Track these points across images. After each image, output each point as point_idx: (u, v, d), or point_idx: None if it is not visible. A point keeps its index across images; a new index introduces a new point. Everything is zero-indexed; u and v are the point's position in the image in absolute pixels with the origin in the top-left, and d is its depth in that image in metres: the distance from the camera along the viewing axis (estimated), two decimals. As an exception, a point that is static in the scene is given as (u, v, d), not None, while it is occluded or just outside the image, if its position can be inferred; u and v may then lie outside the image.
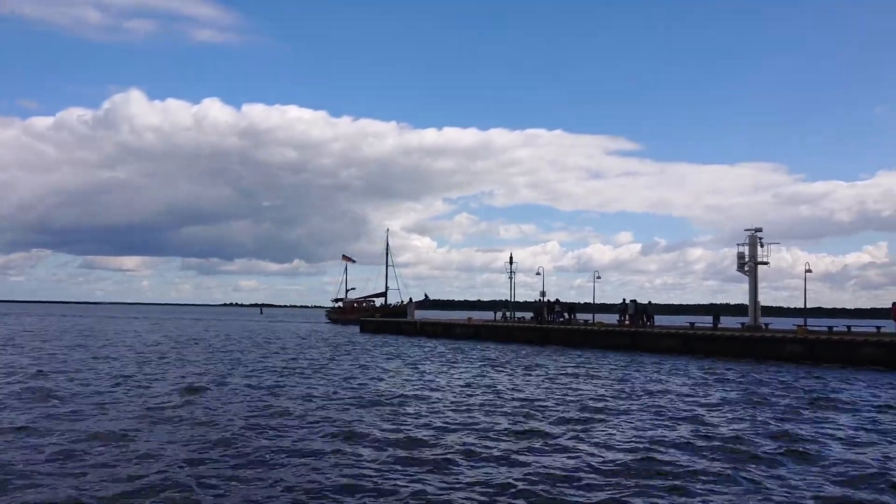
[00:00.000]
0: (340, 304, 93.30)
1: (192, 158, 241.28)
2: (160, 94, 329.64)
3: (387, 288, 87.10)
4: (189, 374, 24.18)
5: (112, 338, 47.44)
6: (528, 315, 56.52)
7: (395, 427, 14.19)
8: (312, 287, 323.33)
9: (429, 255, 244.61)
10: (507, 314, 58.56)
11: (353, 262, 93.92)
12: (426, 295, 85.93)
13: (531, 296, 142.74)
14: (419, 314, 70.72)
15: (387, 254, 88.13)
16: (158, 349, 36.50)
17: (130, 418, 14.71)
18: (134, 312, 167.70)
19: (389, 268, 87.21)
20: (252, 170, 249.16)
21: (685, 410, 17.08)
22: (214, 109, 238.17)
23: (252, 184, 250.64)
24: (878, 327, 37.95)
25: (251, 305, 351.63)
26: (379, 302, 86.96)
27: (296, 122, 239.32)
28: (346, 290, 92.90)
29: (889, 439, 13.87)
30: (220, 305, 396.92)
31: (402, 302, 78.28)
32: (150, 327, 68.73)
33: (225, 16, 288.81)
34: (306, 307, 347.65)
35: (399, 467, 10.87)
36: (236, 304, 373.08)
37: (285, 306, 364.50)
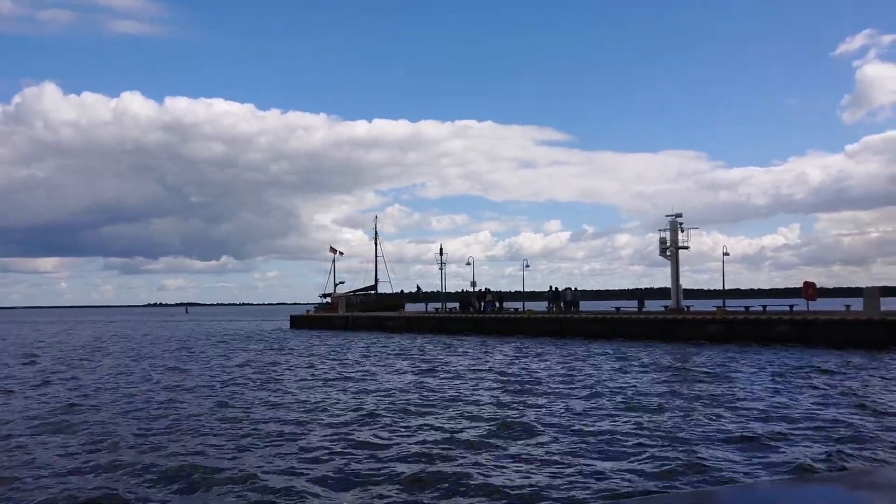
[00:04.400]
0: (329, 299, 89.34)
1: (114, 154, 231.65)
2: (76, 88, 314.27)
3: (376, 280, 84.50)
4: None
5: None
6: (456, 305, 56.60)
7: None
8: (244, 284, 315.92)
9: (361, 248, 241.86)
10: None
11: (342, 254, 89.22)
12: (418, 287, 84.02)
13: (463, 286, 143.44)
14: (410, 307, 70.26)
15: (375, 244, 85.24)
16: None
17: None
18: (49, 316, 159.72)
19: (378, 258, 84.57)
20: (178, 165, 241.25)
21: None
22: (135, 103, 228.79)
23: (178, 180, 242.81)
24: (791, 306, 39.49)
25: (177, 305, 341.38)
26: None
27: (222, 115, 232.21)
28: (335, 284, 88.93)
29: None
30: (144, 306, 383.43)
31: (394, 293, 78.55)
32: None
33: (146, 6, 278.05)
34: (234, 305, 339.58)
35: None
36: (161, 303, 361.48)
37: (213, 305, 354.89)
